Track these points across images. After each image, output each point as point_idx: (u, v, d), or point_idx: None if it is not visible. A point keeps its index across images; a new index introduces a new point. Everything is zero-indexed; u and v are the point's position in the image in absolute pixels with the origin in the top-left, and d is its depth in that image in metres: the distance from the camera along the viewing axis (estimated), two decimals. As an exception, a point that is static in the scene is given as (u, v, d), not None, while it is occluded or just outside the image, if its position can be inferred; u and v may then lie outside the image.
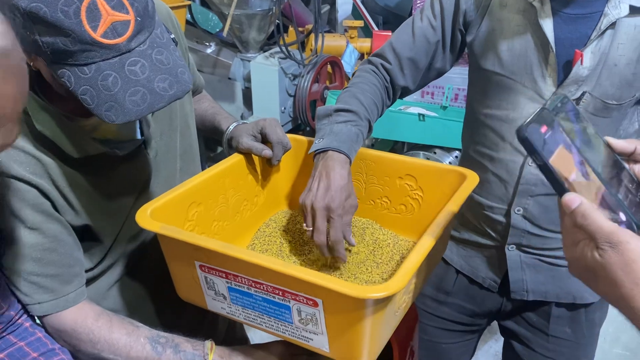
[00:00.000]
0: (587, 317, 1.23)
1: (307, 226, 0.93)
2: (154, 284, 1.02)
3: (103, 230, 0.91)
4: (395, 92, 1.19)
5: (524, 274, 1.21)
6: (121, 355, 0.86)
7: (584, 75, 1.02)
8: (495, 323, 1.39)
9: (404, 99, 3.50)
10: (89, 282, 0.93)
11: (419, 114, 2.51)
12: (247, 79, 2.99)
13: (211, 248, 0.75)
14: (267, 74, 2.78)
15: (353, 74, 1.20)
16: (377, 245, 1.01)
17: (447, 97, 2.91)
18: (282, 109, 2.85)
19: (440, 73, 1.21)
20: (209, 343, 0.89)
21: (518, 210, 1.15)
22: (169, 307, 0.99)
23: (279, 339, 0.88)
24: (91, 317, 0.87)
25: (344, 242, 0.92)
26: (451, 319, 1.35)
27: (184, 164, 1.05)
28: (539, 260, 1.19)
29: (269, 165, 1.08)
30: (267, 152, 1.03)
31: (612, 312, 2.44)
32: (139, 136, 0.93)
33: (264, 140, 1.06)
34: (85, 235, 0.90)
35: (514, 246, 1.19)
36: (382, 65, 1.17)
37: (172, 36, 0.77)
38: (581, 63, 1.02)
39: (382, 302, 0.69)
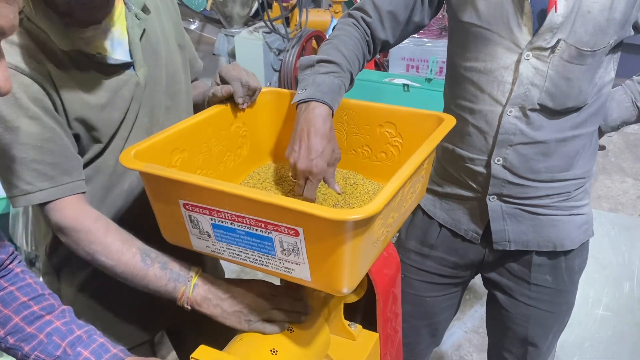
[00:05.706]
0: (567, 264, 1.27)
1: (292, 177, 0.96)
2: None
3: (95, 135, 0.98)
4: (376, 46, 1.20)
5: (505, 224, 1.24)
6: (112, 259, 0.90)
7: (558, 22, 1.04)
8: (481, 288, 1.41)
9: (390, 71, 3.51)
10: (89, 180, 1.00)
11: (404, 85, 2.53)
12: (232, 54, 2.98)
13: (195, 182, 0.76)
14: (251, 49, 2.77)
15: (334, 28, 1.20)
16: (356, 193, 1.03)
17: (431, 70, 2.93)
18: (268, 84, 2.86)
19: (418, 27, 1.22)
20: (195, 268, 0.94)
21: (498, 161, 1.17)
22: None
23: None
24: (90, 218, 0.92)
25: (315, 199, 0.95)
26: (435, 272, 1.38)
27: (172, 104, 1.09)
28: (520, 209, 1.22)
29: (239, 108, 1.07)
30: (226, 88, 1.03)
31: (593, 276, 2.47)
32: (128, 58, 0.98)
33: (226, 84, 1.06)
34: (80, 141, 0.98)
35: (495, 196, 1.21)
36: (362, 18, 1.17)
37: None
38: (555, 10, 1.04)
39: (361, 227, 0.71)
